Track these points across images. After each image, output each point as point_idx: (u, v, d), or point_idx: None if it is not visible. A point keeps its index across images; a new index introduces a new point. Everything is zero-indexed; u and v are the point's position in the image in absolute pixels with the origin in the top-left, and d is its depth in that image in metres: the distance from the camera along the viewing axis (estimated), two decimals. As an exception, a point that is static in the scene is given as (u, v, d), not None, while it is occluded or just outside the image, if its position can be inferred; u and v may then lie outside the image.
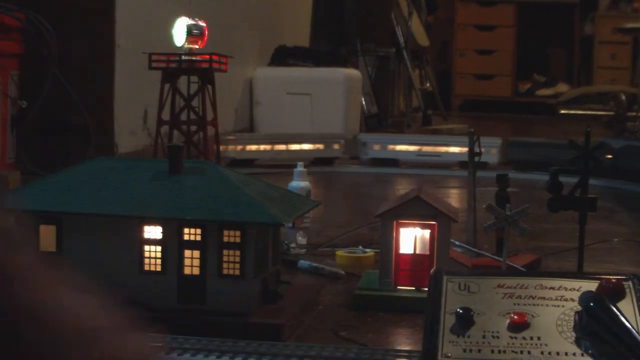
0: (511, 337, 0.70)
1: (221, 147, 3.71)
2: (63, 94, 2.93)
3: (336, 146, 3.81)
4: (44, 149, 2.98)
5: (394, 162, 3.77)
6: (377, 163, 3.76)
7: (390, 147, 3.80)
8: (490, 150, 3.61)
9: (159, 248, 1.29)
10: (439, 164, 3.74)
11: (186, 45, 2.54)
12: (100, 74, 3.10)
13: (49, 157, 2.92)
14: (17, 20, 2.83)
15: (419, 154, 3.75)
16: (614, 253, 2.00)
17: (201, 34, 2.53)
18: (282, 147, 3.79)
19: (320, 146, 3.81)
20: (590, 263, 1.71)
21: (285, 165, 3.64)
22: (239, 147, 3.72)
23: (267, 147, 3.76)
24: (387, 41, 6.20)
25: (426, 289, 0.74)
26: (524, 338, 0.70)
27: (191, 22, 2.53)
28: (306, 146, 3.81)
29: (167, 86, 2.58)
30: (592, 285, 0.77)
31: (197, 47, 2.55)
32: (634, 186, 3.21)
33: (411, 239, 1.43)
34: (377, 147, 3.81)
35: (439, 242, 1.42)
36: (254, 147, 3.76)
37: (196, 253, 1.28)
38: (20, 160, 2.90)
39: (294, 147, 3.80)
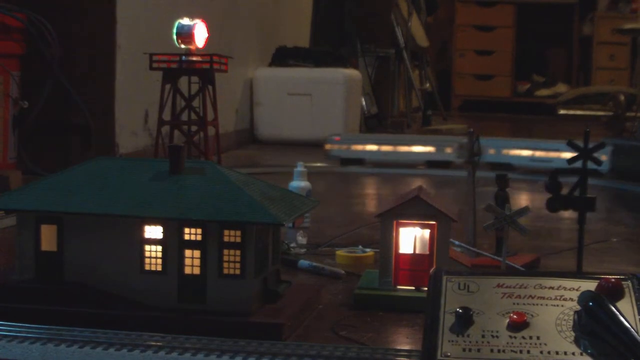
0: (510, 337, 0.71)
1: (327, 146, 3.71)
2: (64, 94, 2.93)
3: (448, 149, 3.73)
4: (45, 149, 2.98)
5: (508, 166, 3.59)
6: (491, 167, 3.57)
7: (505, 151, 3.68)
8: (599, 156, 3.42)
9: (159, 248, 1.29)
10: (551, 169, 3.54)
11: (182, 46, 2.54)
12: (101, 74, 3.10)
13: (49, 157, 2.93)
14: (18, 21, 2.83)
15: (532, 159, 3.61)
16: (612, 253, 2.00)
17: (189, 34, 2.52)
18: (388, 148, 3.76)
19: (432, 149, 3.74)
20: (590, 263, 1.72)
21: (401, 165, 3.61)
22: (344, 147, 3.72)
23: (374, 147, 3.74)
24: (387, 42, 6.21)
25: (426, 288, 0.74)
26: (523, 337, 0.70)
27: (181, 22, 2.54)
28: (417, 148, 3.75)
29: (167, 86, 2.58)
30: (591, 285, 0.77)
31: (195, 47, 2.55)
32: (634, 186, 3.21)
33: (411, 238, 1.44)
34: (492, 151, 3.67)
35: (438, 241, 1.42)
36: (359, 147, 3.74)
37: (196, 253, 1.28)
38: (22, 160, 2.90)
39: (403, 148, 3.77)
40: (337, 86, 4.73)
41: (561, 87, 8.32)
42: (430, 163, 3.70)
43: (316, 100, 4.73)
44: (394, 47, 6.21)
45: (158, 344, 1.16)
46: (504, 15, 8.49)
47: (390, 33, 6.22)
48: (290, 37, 5.47)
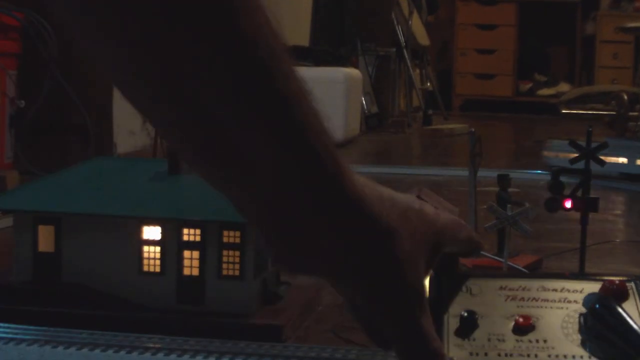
0: (517, 340, 0.69)
1: (544, 153, 3.61)
2: (62, 94, 2.92)
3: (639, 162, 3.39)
4: (43, 149, 2.97)
5: None
6: None
7: None
8: None
9: (158, 248, 1.28)
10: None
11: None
12: (99, 74, 3.08)
13: (47, 157, 2.91)
14: (16, 20, 2.82)
15: None
16: (616, 254, 1.99)
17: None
18: None
19: (624, 160, 3.40)
20: (593, 264, 1.70)
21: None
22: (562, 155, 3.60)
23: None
24: (388, 41, 6.19)
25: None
26: (529, 341, 0.69)
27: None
28: (609, 159, 3.55)
29: (166, 86, 2.57)
30: (594, 287, 0.76)
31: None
32: (635, 186, 3.19)
33: (412, 239, 1.42)
34: None
35: (440, 242, 1.41)
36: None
37: (195, 253, 1.27)
38: (19, 160, 2.89)
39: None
40: (337, 85, 4.71)
41: (564, 87, 8.30)
42: (624, 174, 3.33)
43: (316, 100, 4.71)
44: (395, 46, 6.20)
45: (156, 345, 1.15)
46: (506, 14, 8.47)
47: (390, 32, 6.21)
48: (290, 36, 5.44)
